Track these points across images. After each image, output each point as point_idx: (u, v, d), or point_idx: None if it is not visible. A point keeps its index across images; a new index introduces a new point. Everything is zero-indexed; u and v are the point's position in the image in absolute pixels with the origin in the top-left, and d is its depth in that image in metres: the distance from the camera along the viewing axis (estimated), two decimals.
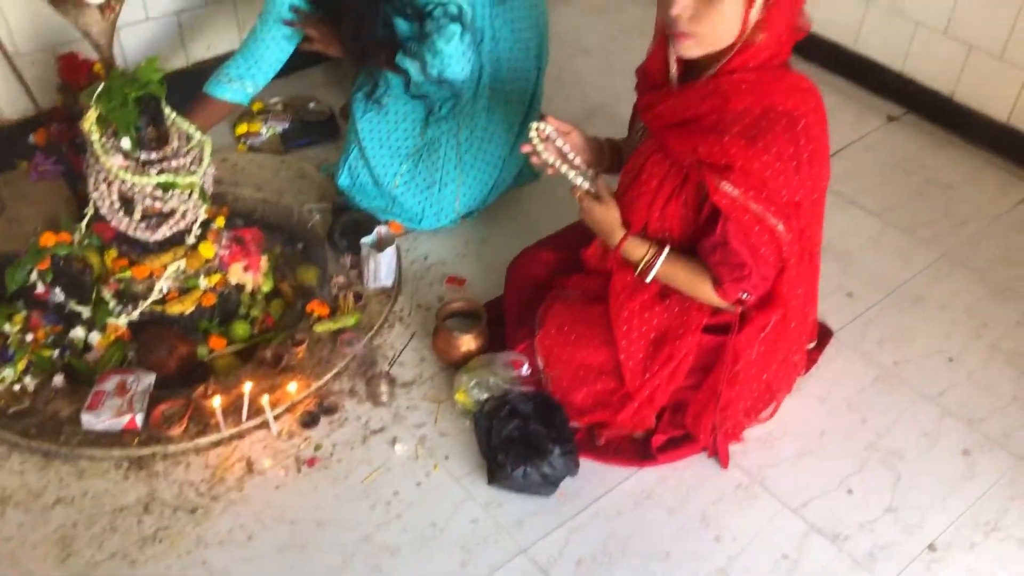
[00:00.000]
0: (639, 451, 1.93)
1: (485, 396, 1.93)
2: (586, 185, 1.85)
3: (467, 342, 2.06)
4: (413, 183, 2.38)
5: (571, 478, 1.85)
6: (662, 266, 1.80)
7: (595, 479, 1.88)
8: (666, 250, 1.80)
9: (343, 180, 2.45)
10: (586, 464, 1.88)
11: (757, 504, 1.86)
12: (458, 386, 1.98)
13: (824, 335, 2.20)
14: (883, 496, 1.88)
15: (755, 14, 1.59)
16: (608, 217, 1.83)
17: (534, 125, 1.82)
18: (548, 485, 1.82)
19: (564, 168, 1.84)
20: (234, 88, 2.29)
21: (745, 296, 1.77)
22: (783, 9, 1.61)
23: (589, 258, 2.00)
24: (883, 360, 2.17)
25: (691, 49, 1.65)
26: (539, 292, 2.06)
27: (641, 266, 1.82)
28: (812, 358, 2.13)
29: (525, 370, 1.95)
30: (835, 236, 2.47)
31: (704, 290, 1.79)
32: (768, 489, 1.88)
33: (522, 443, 1.82)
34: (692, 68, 1.73)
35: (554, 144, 1.84)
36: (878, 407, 2.06)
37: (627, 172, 1.88)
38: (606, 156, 1.99)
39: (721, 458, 1.92)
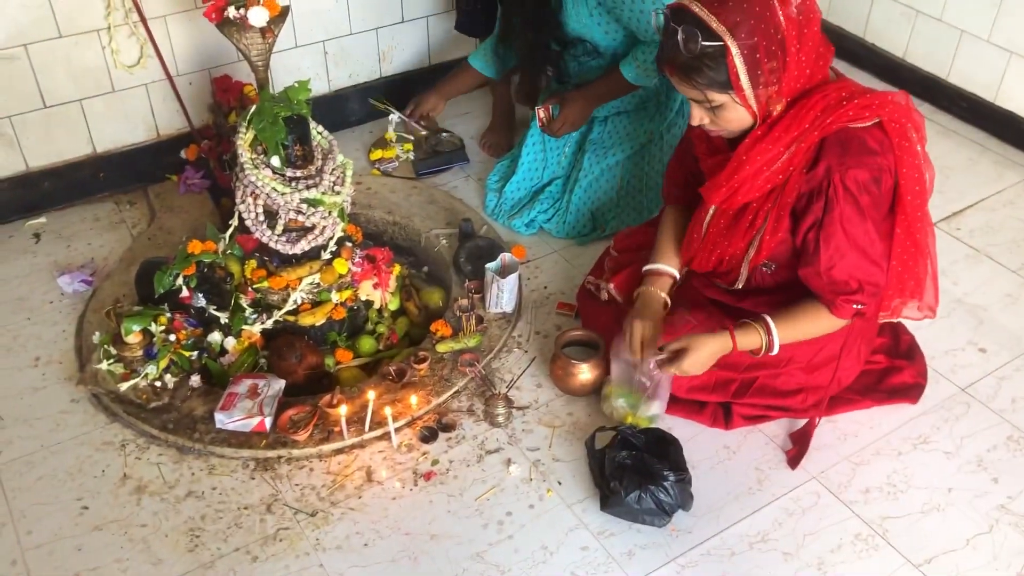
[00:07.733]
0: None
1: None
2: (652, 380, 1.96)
3: (585, 371, 2.07)
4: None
5: (684, 514, 1.84)
6: (780, 334, 1.86)
7: (709, 518, 1.85)
8: (771, 321, 1.86)
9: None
10: (699, 503, 1.86)
11: (877, 556, 1.80)
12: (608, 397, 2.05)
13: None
14: (1013, 560, 1.79)
15: (761, 98, 1.71)
16: (703, 351, 1.87)
17: None
18: (661, 514, 1.80)
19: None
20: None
21: (860, 307, 1.83)
22: (791, 78, 1.71)
23: None
24: (1017, 420, 2.07)
25: (726, 135, 1.82)
26: None
27: (763, 350, 1.88)
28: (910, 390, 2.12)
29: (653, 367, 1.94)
30: (970, 290, 2.40)
31: (823, 322, 1.87)
32: (889, 542, 1.82)
33: (636, 471, 1.82)
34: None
35: None
36: (1011, 468, 1.97)
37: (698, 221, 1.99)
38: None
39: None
